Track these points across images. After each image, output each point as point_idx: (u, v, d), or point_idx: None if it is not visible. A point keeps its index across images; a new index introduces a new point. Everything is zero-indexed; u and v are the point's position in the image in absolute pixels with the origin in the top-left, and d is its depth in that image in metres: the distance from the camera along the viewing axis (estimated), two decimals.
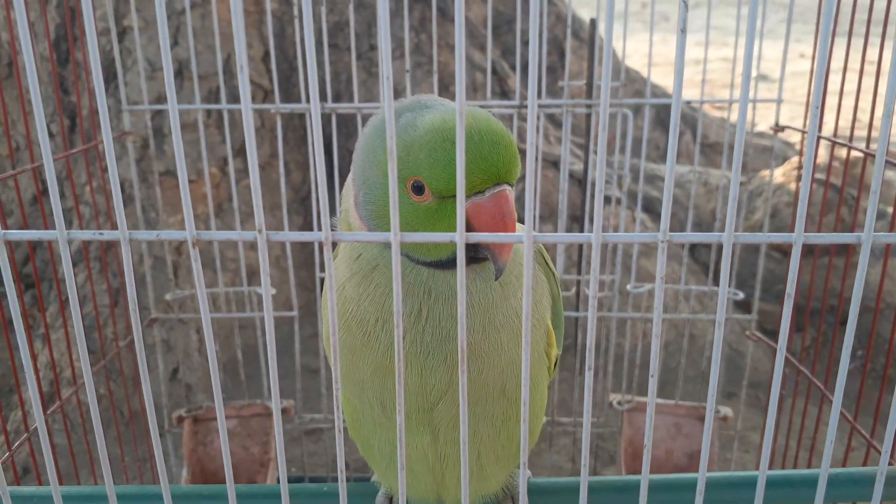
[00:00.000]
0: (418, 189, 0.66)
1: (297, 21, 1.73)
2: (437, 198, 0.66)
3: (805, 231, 0.61)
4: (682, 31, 0.55)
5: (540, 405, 0.89)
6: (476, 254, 0.68)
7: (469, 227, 0.67)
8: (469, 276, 0.71)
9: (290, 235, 0.61)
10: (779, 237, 0.61)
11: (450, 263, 0.70)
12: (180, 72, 2.65)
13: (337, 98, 2.94)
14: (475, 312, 0.72)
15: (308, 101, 2.58)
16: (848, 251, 1.46)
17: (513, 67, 3.27)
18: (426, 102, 0.71)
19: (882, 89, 1.30)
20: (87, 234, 0.62)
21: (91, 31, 0.54)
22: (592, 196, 1.95)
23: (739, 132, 0.57)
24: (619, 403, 1.75)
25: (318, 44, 2.81)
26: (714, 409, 1.77)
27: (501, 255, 0.65)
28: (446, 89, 2.88)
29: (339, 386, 0.63)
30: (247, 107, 0.55)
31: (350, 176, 0.76)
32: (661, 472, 1.76)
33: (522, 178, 2.67)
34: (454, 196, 0.66)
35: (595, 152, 2.56)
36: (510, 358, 0.75)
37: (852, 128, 1.53)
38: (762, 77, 6.44)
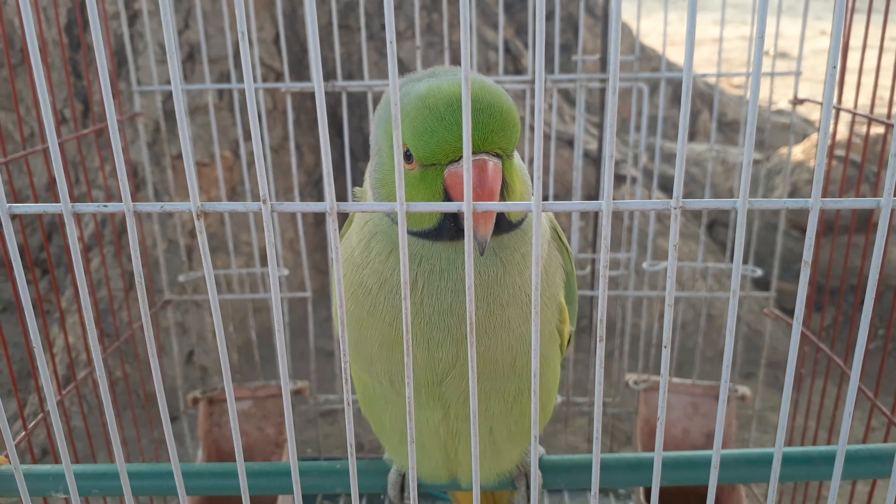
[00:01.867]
0: (407, 157, 0.66)
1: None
2: (421, 166, 0.65)
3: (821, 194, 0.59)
4: None
5: (553, 382, 0.88)
6: (458, 225, 0.66)
7: (447, 197, 0.65)
8: (460, 252, 0.70)
9: (295, 206, 0.60)
10: (795, 202, 0.59)
11: (433, 234, 0.69)
12: (191, 55, 2.64)
13: (349, 79, 2.93)
14: (476, 289, 0.71)
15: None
16: (867, 228, 1.43)
17: (526, 46, 3.23)
18: (434, 72, 0.71)
19: None
20: (91, 207, 0.61)
21: (94, 18, 0.53)
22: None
23: (753, 96, 0.56)
24: (636, 383, 1.73)
25: (329, 24, 2.79)
26: (730, 388, 1.75)
27: (478, 228, 0.62)
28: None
29: (347, 358, 0.62)
30: (248, 75, 0.54)
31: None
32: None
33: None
34: (435, 164, 0.65)
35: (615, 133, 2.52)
36: (519, 334, 0.74)
37: (872, 103, 1.50)
38: (781, 55, 6.34)
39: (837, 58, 0.54)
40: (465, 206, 0.55)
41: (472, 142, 0.63)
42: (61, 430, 0.71)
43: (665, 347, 0.62)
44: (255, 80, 1.84)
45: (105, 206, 0.61)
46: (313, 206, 0.59)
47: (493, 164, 0.63)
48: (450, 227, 0.67)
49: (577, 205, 0.58)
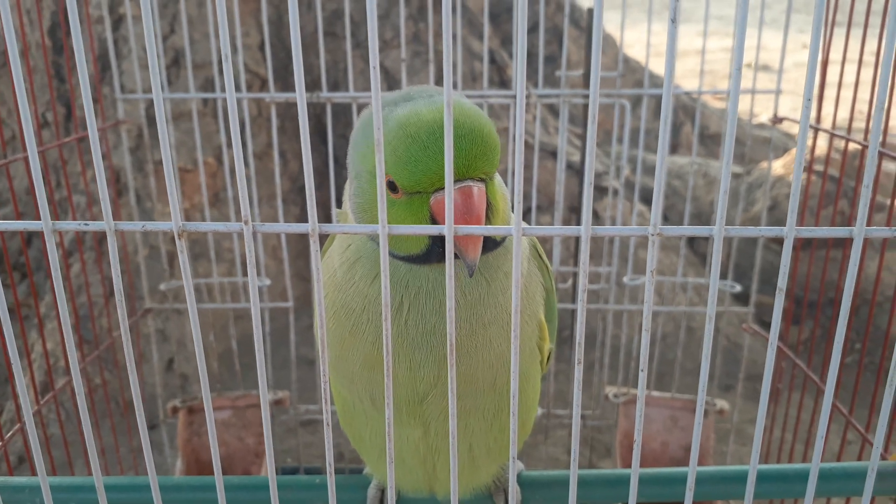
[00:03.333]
0: (392, 186, 0.66)
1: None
2: (407, 194, 0.66)
3: (802, 224, 0.60)
4: (673, 21, 0.54)
5: (532, 398, 0.89)
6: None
7: (433, 223, 0.66)
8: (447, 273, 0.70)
9: (277, 227, 0.60)
10: (771, 231, 0.60)
11: (422, 258, 0.69)
12: (176, 60, 2.63)
13: (334, 87, 2.93)
14: (460, 309, 0.72)
15: (305, 89, 2.56)
16: (846, 243, 1.46)
17: (511, 56, 3.25)
18: (412, 94, 0.70)
19: (880, 80, 1.28)
20: (72, 225, 0.61)
21: (75, 22, 0.53)
22: (594, 187, 1.94)
23: (730, 123, 0.57)
24: (616, 396, 1.74)
25: (315, 32, 2.79)
26: (708, 402, 1.76)
27: (468, 252, 0.63)
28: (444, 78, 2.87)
29: (327, 378, 0.63)
30: (232, 106, 0.55)
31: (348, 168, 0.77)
32: (657, 465, 1.76)
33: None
34: (420, 193, 0.65)
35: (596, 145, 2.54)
36: (499, 353, 0.75)
37: (851, 119, 1.52)
38: (763, 67, 6.41)
39: (812, 90, 0.56)
40: (446, 229, 0.56)
41: (456, 169, 0.64)
42: (38, 443, 0.70)
43: (641, 371, 0.63)
44: (239, 90, 1.84)
45: (86, 223, 0.61)
46: (295, 228, 0.59)
47: (477, 189, 0.64)
48: (437, 252, 0.68)
49: (557, 230, 0.59)
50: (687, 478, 0.69)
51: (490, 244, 0.70)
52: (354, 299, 0.73)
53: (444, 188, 0.64)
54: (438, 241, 0.67)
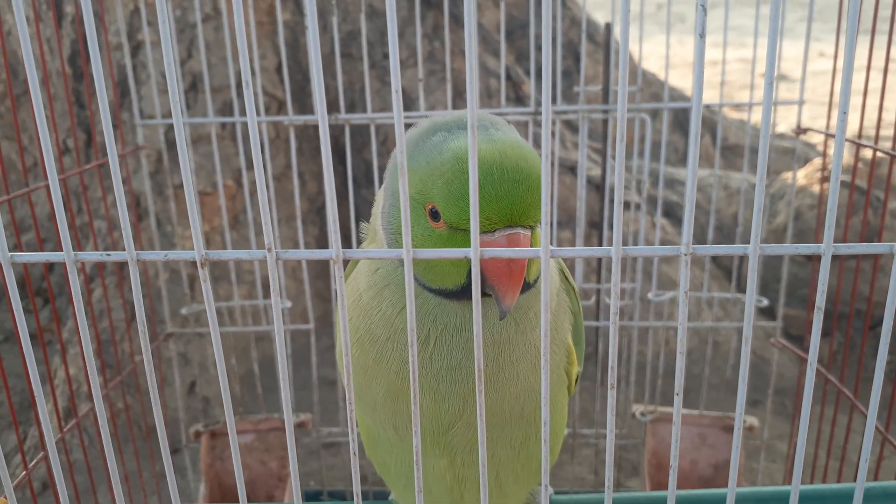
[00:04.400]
0: (434, 215, 0.64)
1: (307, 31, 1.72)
2: (450, 228, 0.64)
3: (833, 238, 0.58)
4: (701, 35, 0.53)
5: (560, 424, 0.88)
6: (483, 289, 0.65)
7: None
8: (483, 311, 0.69)
9: (301, 253, 0.59)
10: (807, 248, 0.58)
11: (456, 294, 0.68)
12: (194, 85, 2.65)
13: (351, 108, 2.94)
14: (488, 346, 0.70)
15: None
16: (877, 254, 1.42)
17: (527, 73, 3.24)
18: (465, 123, 0.67)
19: None
20: (94, 256, 0.61)
21: (94, 49, 0.52)
22: (611, 202, 1.92)
23: (763, 139, 0.55)
24: (643, 414, 1.71)
25: (331, 53, 2.80)
26: (735, 426, 1.72)
27: (506, 298, 0.62)
28: (460, 96, 2.87)
29: (353, 407, 0.61)
30: (254, 134, 0.54)
31: (384, 183, 0.75)
32: (685, 484, 1.72)
33: None
34: (466, 230, 0.63)
35: (613, 157, 2.52)
36: (527, 385, 0.74)
37: (878, 127, 1.49)
38: (782, 77, 6.37)
39: (847, 102, 0.54)
40: (472, 252, 0.55)
41: (506, 214, 0.62)
42: (61, 474, 0.69)
43: (677, 395, 0.61)
44: (257, 113, 1.85)
45: (108, 254, 0.60)
46: (318, 254, 0.58)
47: (524, 237, 0.63)
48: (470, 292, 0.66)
49: (585, 251, 0.57)
50: (726, 500, 0.67)
51: (524, 286, 0.69)
52: (380, 327, 0.72)
53: (492, 231, 0.62)
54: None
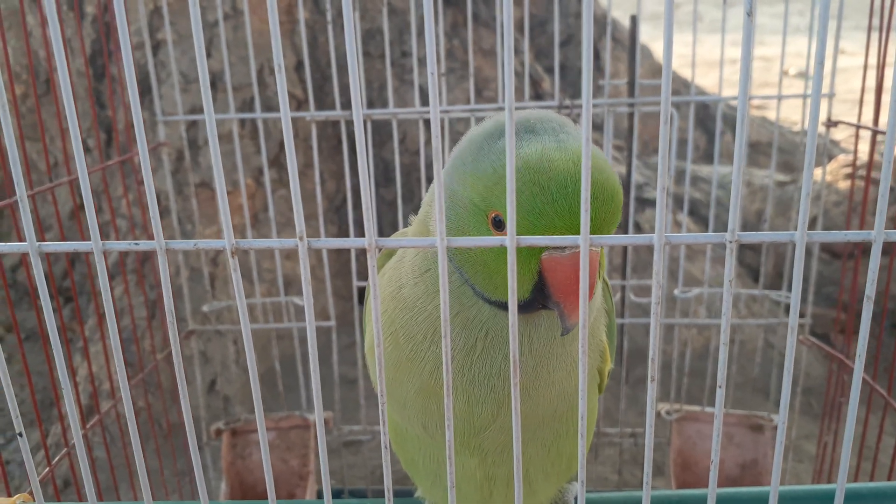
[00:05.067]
0: (498, 224, 0.62)
1: (330, 28, 1.71)
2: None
3: (884, 225, 0.56)
4: (749, 14, 0.51)
5: (591, 421, 0.86)
6: (546, 305, 0.63)
7: (541, 279, 0.62)
8: (533, 324, 0.68)
9: (332, 242, 0.58)
10: (857, 235, 0.56)
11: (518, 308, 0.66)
12: (214, 83, 2.66)
13: (370, 106, 2.93)
14: (527, 356, 0.68)
15: (342, 108, 2.55)
16: None
17: (546, 70, 3.22)
18: (532, 123, 0.63)
19: None
20: (122, 245, 0.60)
21: (126, 45, 0.51)
22: (637, 199, 1.89)
23: (812, 127, 0.53)
24: (668, 413, 1.69)
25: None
26: (765, 418, 1.68)
27: (572, 315, 0.60)
28: (480, 94, 2.85)
29: (385, 400, 0.60)
30: (285, 112, 0.53)
31: (443, 180, 0.72)
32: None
33: None
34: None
35: (637, 156, 2.49)
36: (561, 391, 0.72)
37: None
38: (799, 74, 6.30)
39: None
40: (508, 240, 0.53)
41: (580, 230, 0.59)
42: (87, 467, 0.69)
43: (720, 388, 0.59)
44: (276, 110, 1.84)
45: (136, 243, 0.59)
46: (352, 242, 0.57)
47: (595, 254, 0.60)
48: (536, 305, 0.64)
49: (629, 238, 0.56)
50: (767, 498, 0.65)
51: None
52: (422, 324, 0.70)
53: (560, 247, 0.59)
54: (540, 296, 0.62)
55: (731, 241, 0.54)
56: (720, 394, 0.59)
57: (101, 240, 0.58)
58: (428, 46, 0.49)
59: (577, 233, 0.59)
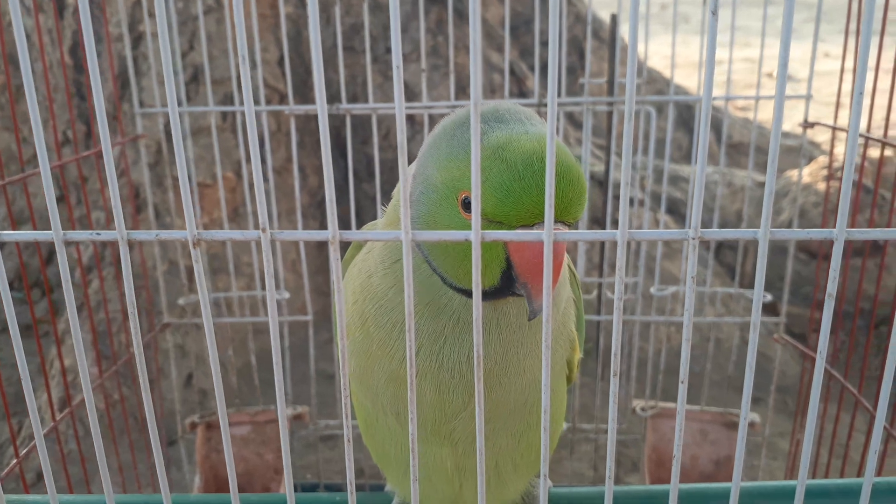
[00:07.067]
0: (468, 205, 0.62)
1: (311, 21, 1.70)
2: (484, 219, 0.61)
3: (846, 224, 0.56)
4: (714, 13, 0.51)
5: (560, 413, 0.87)
6: (513, 290, 0.64)
7: (508, 263, 0.63)
8: (501, 311, 0.69)
9: (295, 234, 0.57)
10: (818, 233, 0.56)
11: (485, 296, 0.65)
12: (195, 77, 2.64)
13: (353, 101, 2.92)
14: (496, 344, 0.69)
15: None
16: (883, 251, 1.41)
17: (531, 68, 3.23)
18: (501, 113, 0.65)
19: None
20: (84, 235, 0.59)
21: (88, 33, 0.51)
22: (615, 198, 1.90)
23: (776, 122, 0.53)
24: (643, 409, 1.70)
25: (333, 47, 2.79)
26: (738, 413, 1.71)
27: (538, 297, 0.61)
28: (463, 91, 2.85)
29: (348, 392, 0.60)
30: (249, 104, 0.52)
31: (411, 170, 0.72)
32: (686, 480, 1.71)
33: None
34: (501, 223, 0.61)
35: (617, 154, 2.50)
36: (532, 378, 0.73)
37: (886, 125, 1.47)
38: (788, 77, 6.34)
39: (864, 84, 0.52)
40: (472, 235, 0.53)
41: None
42: (47, 462, 0.68)
43: (682, 383, 0.59)
44: (258, 103, 1.83)
45: (98, 233, 0.59)
46: (314, 235, 0.56)
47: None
48: (505, 293, 0.64)
49: (591, 234, 0.56)
50: (729, 494, 0.65)
51: None
52: (391, 312, 0.70)
53: (529, 225, 0.60)
54: (508, 282, 0.63)
55: (693, 238, 0.54)
56: (682, 389, 0.59)
57: (70, 231, 0.58)
58: (393, 35, 0.49)
59: (543, 212, 0.60)
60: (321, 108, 0.51)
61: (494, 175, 0.60)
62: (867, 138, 1.35)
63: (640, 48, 2.00)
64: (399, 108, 0.51)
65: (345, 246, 0.83)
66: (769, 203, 0.54)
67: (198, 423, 1.69)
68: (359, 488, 1.90)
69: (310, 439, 2.11)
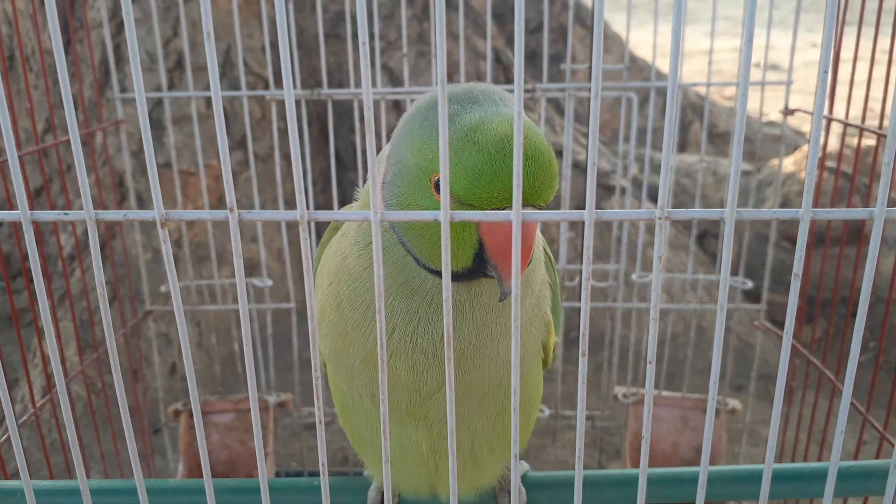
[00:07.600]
0: (438, 187, 0.62)
1: (290, 7, 1.70)
2: (456, 202, 0.61)
3: (811, 204, 0.57)
4: None
5: (535, 396, 0.87)
6: (485, 271, 0.64)
7: (480, 246, 0.63)
8: (475, 292, 0.69)
9: (263, 214, 0.57)
10: (785, 213, 0.57)
11: (458, 276, 0.66)
12: (179, 63, 2.62)
13: (339, 88, 2.91)
14: (469, 324, 0.69)
15: (302, 87, 2.52)
16: (860, 240, 1.42)
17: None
18: (475, 94, 0.65)
19: (894, 77, 1.25)
20: (51, 215, 0.59)
21: (54, 20, 0.50)
22: (601, 186, 1.90)
23: (741, 109, 0.53)
24: (625, 396, 1.71)
25: (318, 34, 2.77)
26: (720, 402, 1.71)
27: (508, 278, 0.61)
28: (450, 78, 2.84)
29: (319, 374, 0.60)
30: (215, 85, 0.52)
31: (385, 152, 0.72)
32: (667, 467, 1.72)
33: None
34: (473, 205, 0.61)
35: (601, 141, 2.51)
36: (507, 360, 0.73)
37: (864, 115, 1.48)
38: (772, 67, 6.36)
39: (829, 62, 0.52)
40: (441, 215, 0.53)
41: (522, 193, 0.60)
42: (20, 447, 0.68)
43: (650, 363, 0.60)
44: (241, 88, 1.82)
45: (66, 213, 0.58)
46: (283, 215, 0.56)
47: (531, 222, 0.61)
48: (477, 274, 0.65)
49: (560, 214, 0.56)
50: (698, 478, 0.66)
51: None
52: (365, 294, 0.70)
53: (500, 209, 0.60)
54: (481, 264, 0.63)
55: (660, 218, 0.55)
56: (650, 370, 0.60)
57: (37, 211, 0.57)
58: (359, 13, 0.49)
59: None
60: (287, 84, 0.51)
61: (466, 158, 0.60)
62: (845, 125, 1.36)
63: (633, 37, 2.00)
64: (367, 88, 0.51)
65: (320, 229, 0.83)
66: (735, 183, 0.55)
67: (181, 411, 1.69)
68: (343, 475, 1.90)
69: (294, 427, 2.11)
